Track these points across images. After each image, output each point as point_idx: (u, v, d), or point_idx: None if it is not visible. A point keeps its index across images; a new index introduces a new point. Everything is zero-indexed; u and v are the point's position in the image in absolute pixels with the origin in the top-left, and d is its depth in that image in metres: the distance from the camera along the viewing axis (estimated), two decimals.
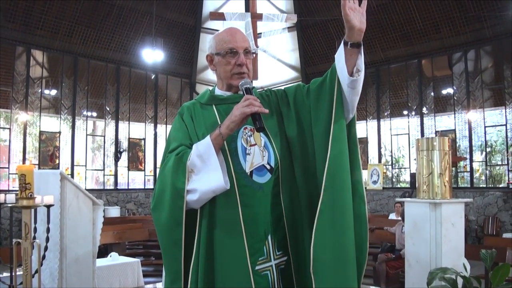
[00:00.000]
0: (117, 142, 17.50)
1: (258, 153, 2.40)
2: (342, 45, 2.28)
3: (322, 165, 2.33)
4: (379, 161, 17.78)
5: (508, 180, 14.48)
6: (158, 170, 17.95)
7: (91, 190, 12.70)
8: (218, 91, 2.59)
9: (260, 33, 15.00)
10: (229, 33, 2.53)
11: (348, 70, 2.26)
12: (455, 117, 15.93)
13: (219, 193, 2.27)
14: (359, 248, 2.37)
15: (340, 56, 2.29)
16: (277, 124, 2.51)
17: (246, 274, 2.26)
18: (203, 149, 2.27)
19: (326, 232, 2.25)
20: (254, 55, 2.60)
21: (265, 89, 2.72)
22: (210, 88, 2.67)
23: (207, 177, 2.25)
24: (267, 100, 2.58)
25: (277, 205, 2.37)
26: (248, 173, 2.35)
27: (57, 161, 15.74)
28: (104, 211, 5.62)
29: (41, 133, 15.47)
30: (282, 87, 2.70)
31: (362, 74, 2.30)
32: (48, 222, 4.06)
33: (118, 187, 17.44)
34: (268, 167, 2.39)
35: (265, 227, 2.34)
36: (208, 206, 2.32)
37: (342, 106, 2.36)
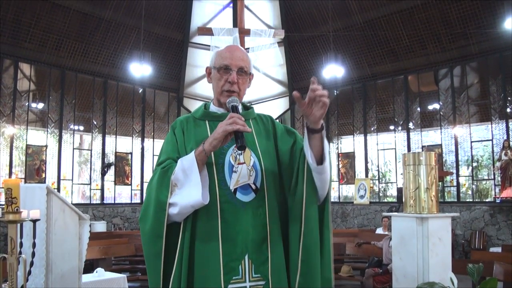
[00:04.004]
0: (103, 156, 17.41)
1: (245, 171, 2.41)
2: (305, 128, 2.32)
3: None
4: (366, 175, 17.84)
5: (495, 195, 14.58)
6: (145, 184, 17.93)
7: (77, 205, 12.60)
8: (212, 107, 2.61)
9: (248, 48, 15.07)
10: (228, 50, 2.55)
11: (314, 154, 2.31)
12: (441, 132, 16.05)
13: (199, 208, 2.29)
14: None
15: (304, 139, 2.34)
16: (271, 147, 2.53)
17: None
18: (187, 164, 2.29)
19: None
20: (251, 75, 2.59)
21: (265, 114, 2.74)
22: (206, 103, 2.69)
23: (188, 191, 2.27)
24: (266, 123, 2.62)
25: (261, 226, 2.37)
26: (232, 190, 2.37)
27: (43, 175, 15.61)
28: (90, 226, 5.57)
29: (27, 146, 15.35)
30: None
31: (326, 164, 2.33)
32: (34, 237, 4.01)
33: (105, 202, 17.31)
34: (253, 186, 2.40)
35: (243, 246, 2.33)
36: (190, 218, 2.34)
37: (313, 187, 2.39)
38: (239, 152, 2.42)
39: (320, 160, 2.31)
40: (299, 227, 2.33)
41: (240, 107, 2.55)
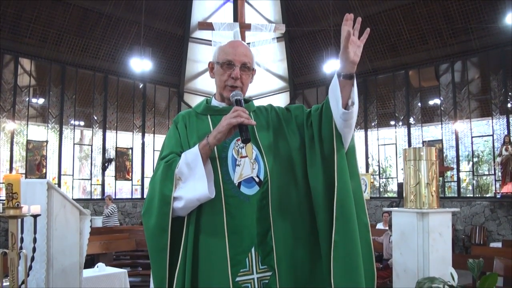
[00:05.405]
0: (104, 152, 17.41)
1: (248, 165, 2.41)
2: (335, 76, 2.29)
3: (322, 190, 2.36)
4: (367, 170, 17.84)
5: (495, 190, 14.58)
6: (145, 179, 17.95)
7: (78, 200, 12.60)
8: (214, 102, 2.62)
9: (249, 43, 15.04)
10: (231, 45, 2.56)
11: (342, 102, 2.28)
12: (442, 127, 16.05)
13: (204, 201, 2.29)
14: (369, 275, 2.39)
15: (333, 87, 2.30)
16: (273, 138, 2.51)
17: (226, 284, 2.28)
18: (191, 158, 2.30)
19: (343, 262, 2.27)
20: (253, 71, 2.60)
21: (264, 105, 2.73)
22: (208, 98, 2.69)
23: (193, 185, 2.28)
24: (265, 114, 2.61)
25: (265, 219, 2.37)
26: (236, 184, 2.37)
27: (44, 170, 15.62)
28: (91, 221, 5.58)
29: (28, 142, 15.36)
30: (282, 105, 2.72)
31: (355, 107, 2.30)
32: (35, 232, 4.01)
33: (105, 197, 17.32)
34: (257, 179, 2.40)
35: (249, 239, 2.34)
36: (195, 213, 2.34)
37: (340, 137, 2.37)
38: (241, 145, 2.42)
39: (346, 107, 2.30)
40: (332, 186, 2.32)
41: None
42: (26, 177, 14.61)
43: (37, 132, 15.97)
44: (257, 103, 2.71)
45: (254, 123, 2.29)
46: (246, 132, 2.24)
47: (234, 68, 2.47)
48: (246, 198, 2.36)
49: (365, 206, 2.48)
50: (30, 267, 4.04)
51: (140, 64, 15.55)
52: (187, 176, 2.30)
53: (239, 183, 2.38)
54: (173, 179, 2.32)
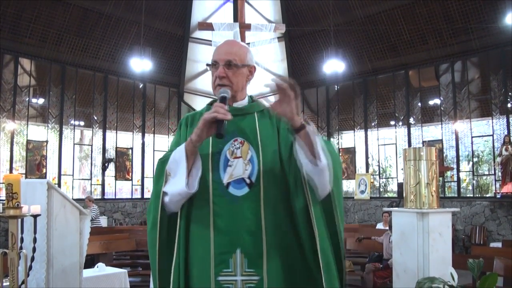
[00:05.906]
0: (104, 152, 17.41)
1: (240, 166, 2.40)
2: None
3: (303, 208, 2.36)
4: (367, 170, 17.84)
5: (495, 190, 14.58)
6: (145, 179, 17.95)
7: (78, 200, 12.59)
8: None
9: (249, 43, 15.03)
10: (219, 45, 2.58)
11: (309, 155, 2.26)
12: (442, 127, 16.05)
13: (186, 196, 2.34)
14: None
15: (294, 143, 2.32)
16: (273, 141, 2.49)
17: (207, 282, 2.30)
18: (178, 154, 2.36)
19: None
20: (249, 67, 2.59)
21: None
22: (214, 99, 2.71)
23: (176, 180, 2.35)
24: (272, 115, 2.57)
25: (254, 221, 2.34)
26: (225, 184, 2.37)
27: (44, 170, 15.62)
28: (91, 221, 5.59)
29: (28, 142, 15.36)
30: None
31: (323, 163, 2.25)
32: (35, 232, 4.01)
33: (105, 197, 17.33)
34: (247, 181, 2.38)
35: (235, 240, 2.32)
36: (186, 208, 2.40)
37: (312, 187, 2.33)
38: (237, 146, 2.42)
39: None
40: (312, 231, 2.32)
41: (246, 100, 2.59)
42: (26, 177, 14.60)
43: (37, 132, 15.97)
44: None
45: (229, 118, 2.26)
46: (220, 127, 2.25)
47: (218, 67, 2.48)
48: (234, 199, 2.35)
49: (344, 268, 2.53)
50: (30, 267, 4.04)
51: (140, 64, 15.54)
52: (175, 171, 2.36)
53: (228, 184, 2.38)
54: (163, 174, 2.40)
